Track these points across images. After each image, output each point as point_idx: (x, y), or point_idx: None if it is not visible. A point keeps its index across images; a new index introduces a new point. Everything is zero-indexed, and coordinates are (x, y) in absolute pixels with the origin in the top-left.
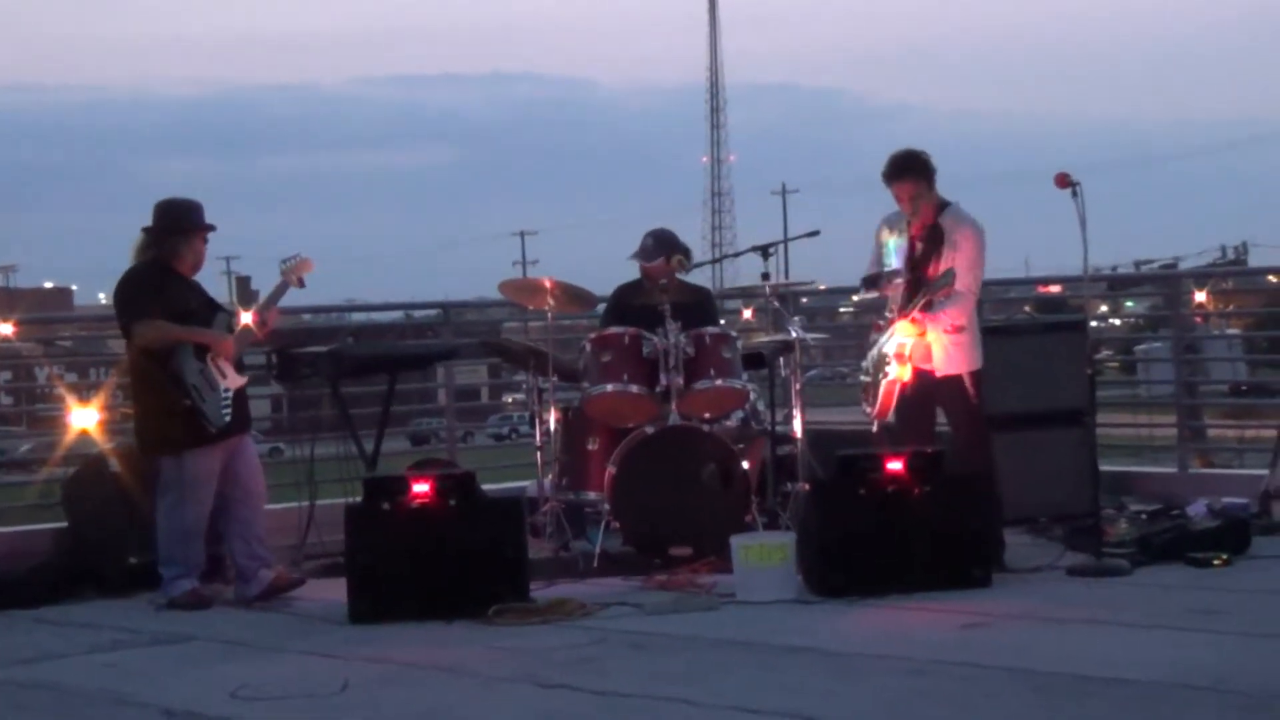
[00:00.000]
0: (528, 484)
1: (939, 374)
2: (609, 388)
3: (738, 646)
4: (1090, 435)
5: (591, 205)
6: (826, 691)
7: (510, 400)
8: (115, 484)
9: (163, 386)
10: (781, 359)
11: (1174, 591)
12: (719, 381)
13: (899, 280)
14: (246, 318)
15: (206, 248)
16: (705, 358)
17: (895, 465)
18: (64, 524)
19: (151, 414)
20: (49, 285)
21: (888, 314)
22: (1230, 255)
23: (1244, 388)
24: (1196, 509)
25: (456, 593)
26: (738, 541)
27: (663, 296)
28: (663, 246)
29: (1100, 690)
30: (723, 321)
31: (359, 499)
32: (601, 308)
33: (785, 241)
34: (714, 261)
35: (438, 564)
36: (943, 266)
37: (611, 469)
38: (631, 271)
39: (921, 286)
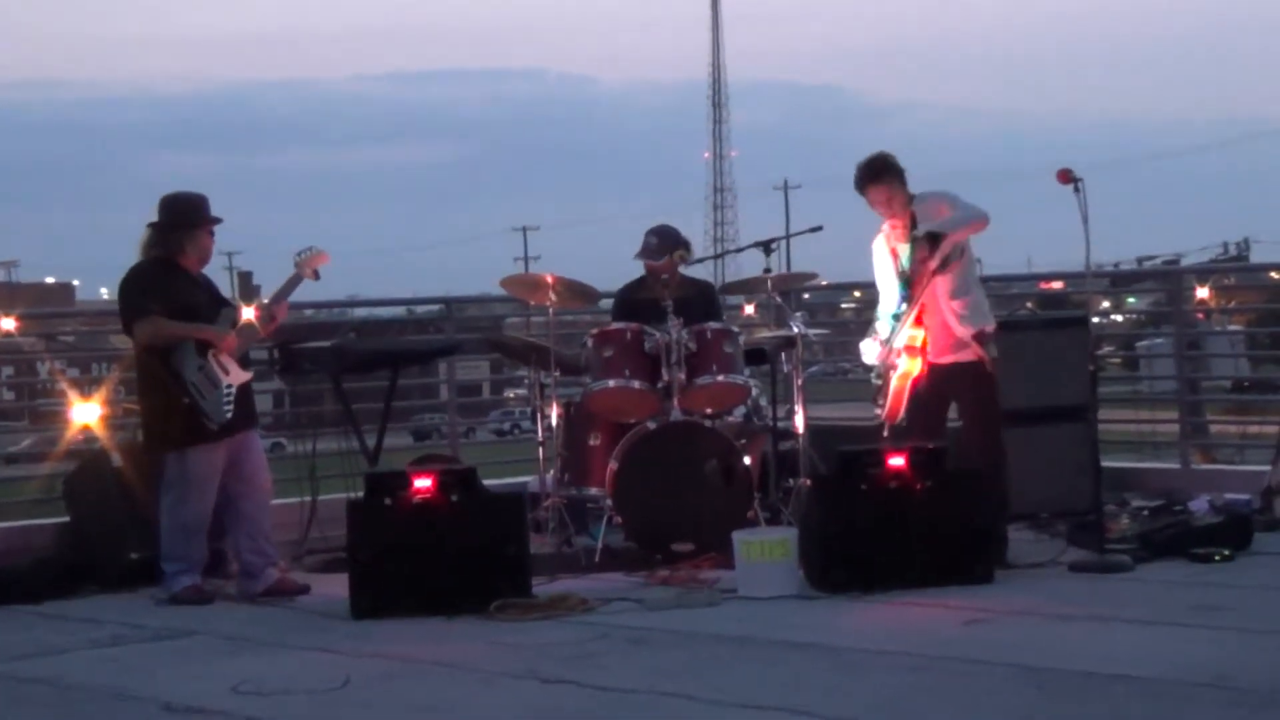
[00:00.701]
0: (529, 479)
1: (950, 361)
2: (611, 383)
3: (739, 642)
4: (1092, 431)
5: (593, 201)
6: (828, 687)
7: (512, 396)
8: (116, 479)
9: (164, 384)
10: (783, 354)
11: (1176, 588)
12: (721, 377)
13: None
14: (249, 313)
15: (214, 242)
16: (707, 353)
17: (897, 461)
18: (65, 519)
19: (154, 411)
20: (51, 280)
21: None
22: (1232, 251)
23: (1246, 384)
24: (1198, 505)
25: (458, 588)
26: (739, 537)
27: (664, 292)
28: (666, 243)
29: (1102, 687)
30: (725, 317)
31: (361, 494)
32: (603, 303)
33: (788, 237)
34: (716, 257)
35: (439, 559)
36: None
37: (613, 464)
38: (638, 269)
39: (914, 291)
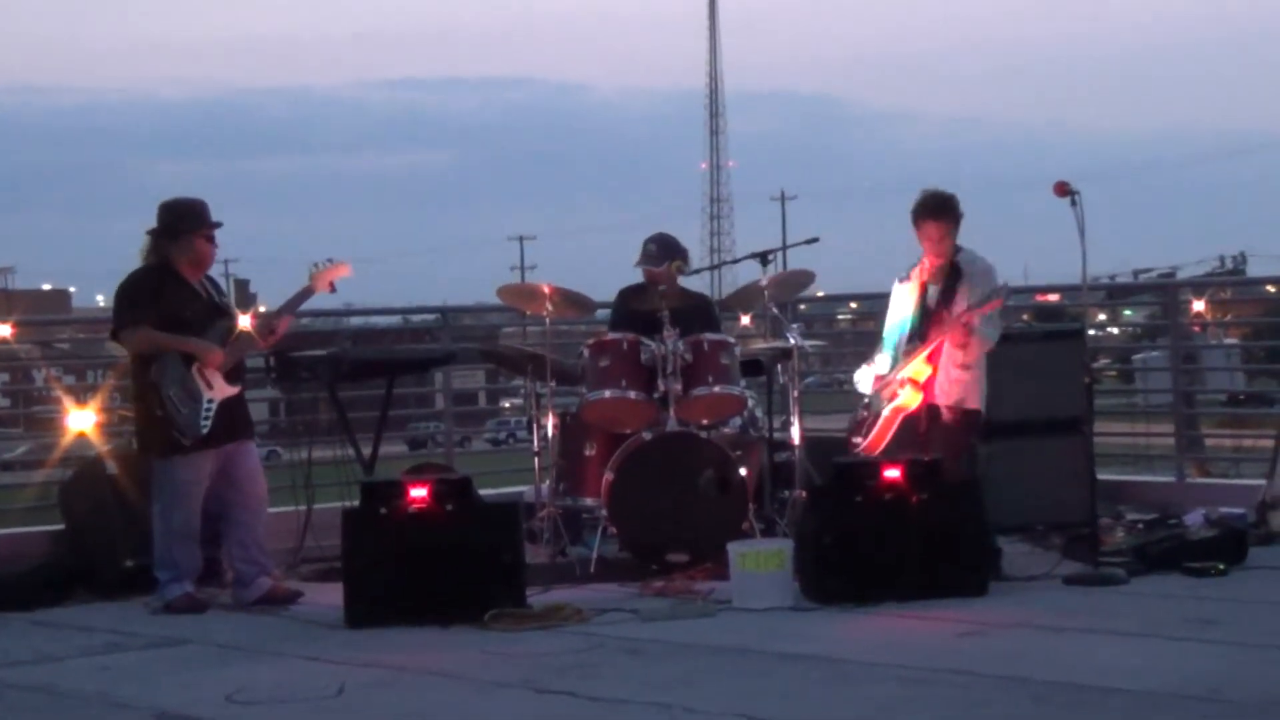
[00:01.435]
0: (525, 489)
1: (940, 402)
2: (607, 393)
3: (734, 653)
4: (1088, 444)
5: (590, 211)
6: (822, 698)
7: (508, 405)
8: (112, 486)
9: (146, 392)
10: (780, 366)
11: (1171, 601)
12: (717, 388)
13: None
14: (245, 321)
15: (214, 247)
16: (703, 364)
17: (893, 473)
18: (60, 526)
19: (140, 418)
20: (47, 287)
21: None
22: (1228, 265)
23: (1241, 397)
24: (1193, 518)
25: (453, 597)
26: (735, 548)
27: (662, 302)
28: (666, 251)
29: (1096, 700)
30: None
31: (356, 503)
32: (600, 313)
33: (784, 249)
34: (713, 268)
35: (434, 569)
36: (959, 299)
37: (609, 474)
38: (635, 278)
39: (932, 330)
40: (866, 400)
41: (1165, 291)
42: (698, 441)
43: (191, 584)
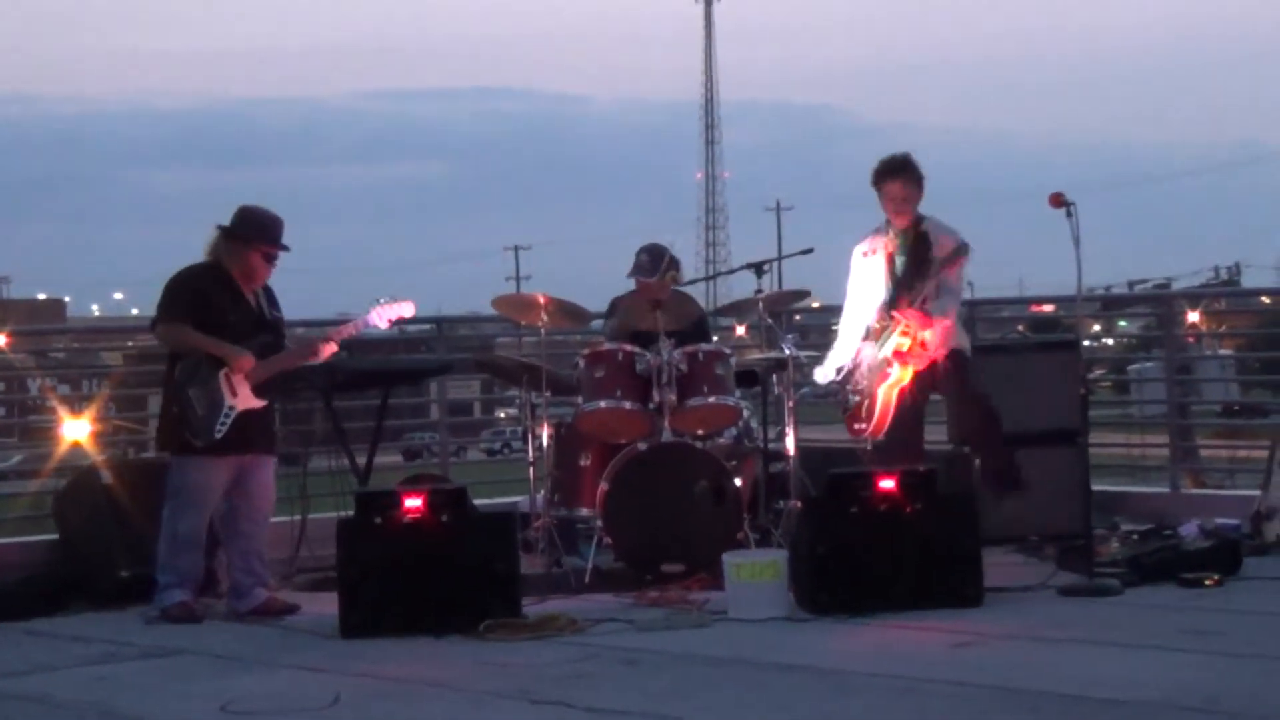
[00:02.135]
0: (520, 499)
1: (931, 357)
2: (602, 404)
3: (729, 664)
4: (1083, 455)
5: (585, 221)
6: (817, 709)
7: (503, 415)
8: (107, 496)
9: (171, 389)
10: (775, 376)
11: (1166, 612)
12: (712, 398)
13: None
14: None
15: (269, 266)
16: (698, 374)
17: (887, 484)
18: (55, 536)
19: (161, 412)
20: (42, 297)
21: (873, 325)
22: (1223, 276)
23: (1236, 408)
24: (1188, 529)
25: (448, 608)
26: (730, 559)
27: (659, 314)
28: (658, 261)
29: (1091, 711)
30: (715, 339)
31: (351, 513)
32: (595, 324)
33: (779, 259)
34: (708, 279)
35: (429, 579)
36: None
37: (604, 485)
38: (628, 289)
39: (900, 301)
40: (858, 386)
41: (1160, 302)
42: (693, 452)
43: (190, 593)
